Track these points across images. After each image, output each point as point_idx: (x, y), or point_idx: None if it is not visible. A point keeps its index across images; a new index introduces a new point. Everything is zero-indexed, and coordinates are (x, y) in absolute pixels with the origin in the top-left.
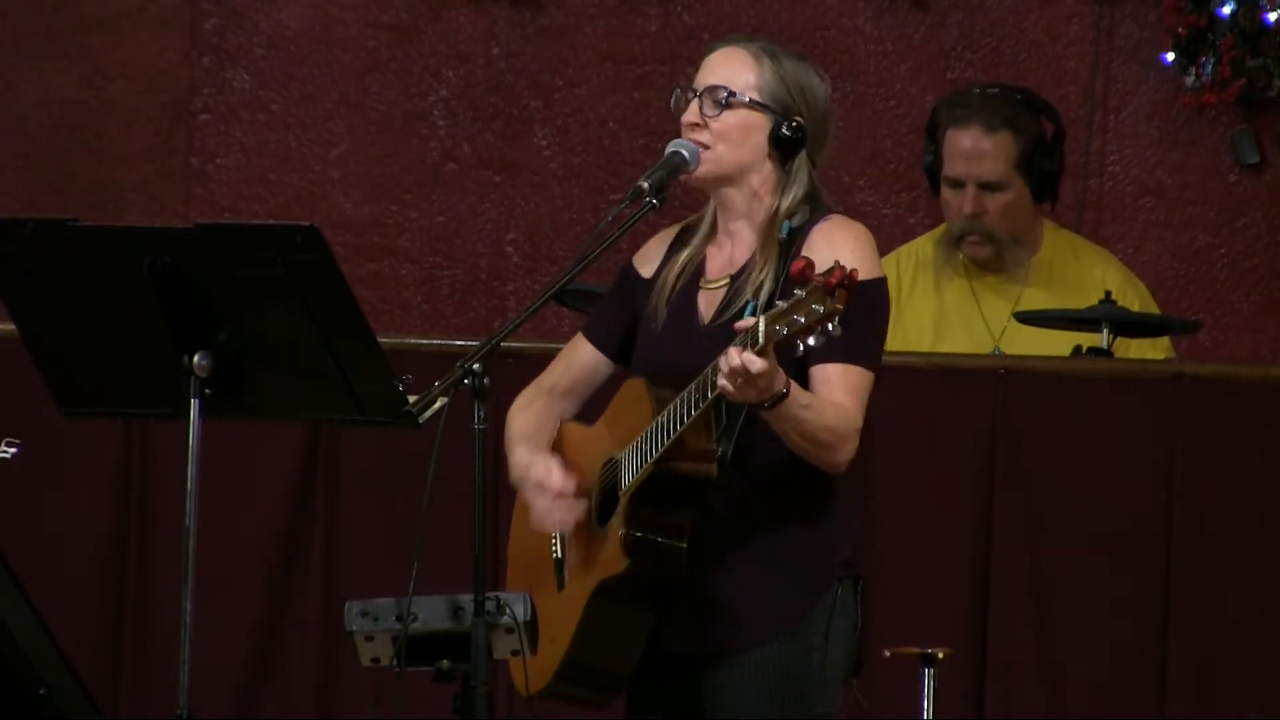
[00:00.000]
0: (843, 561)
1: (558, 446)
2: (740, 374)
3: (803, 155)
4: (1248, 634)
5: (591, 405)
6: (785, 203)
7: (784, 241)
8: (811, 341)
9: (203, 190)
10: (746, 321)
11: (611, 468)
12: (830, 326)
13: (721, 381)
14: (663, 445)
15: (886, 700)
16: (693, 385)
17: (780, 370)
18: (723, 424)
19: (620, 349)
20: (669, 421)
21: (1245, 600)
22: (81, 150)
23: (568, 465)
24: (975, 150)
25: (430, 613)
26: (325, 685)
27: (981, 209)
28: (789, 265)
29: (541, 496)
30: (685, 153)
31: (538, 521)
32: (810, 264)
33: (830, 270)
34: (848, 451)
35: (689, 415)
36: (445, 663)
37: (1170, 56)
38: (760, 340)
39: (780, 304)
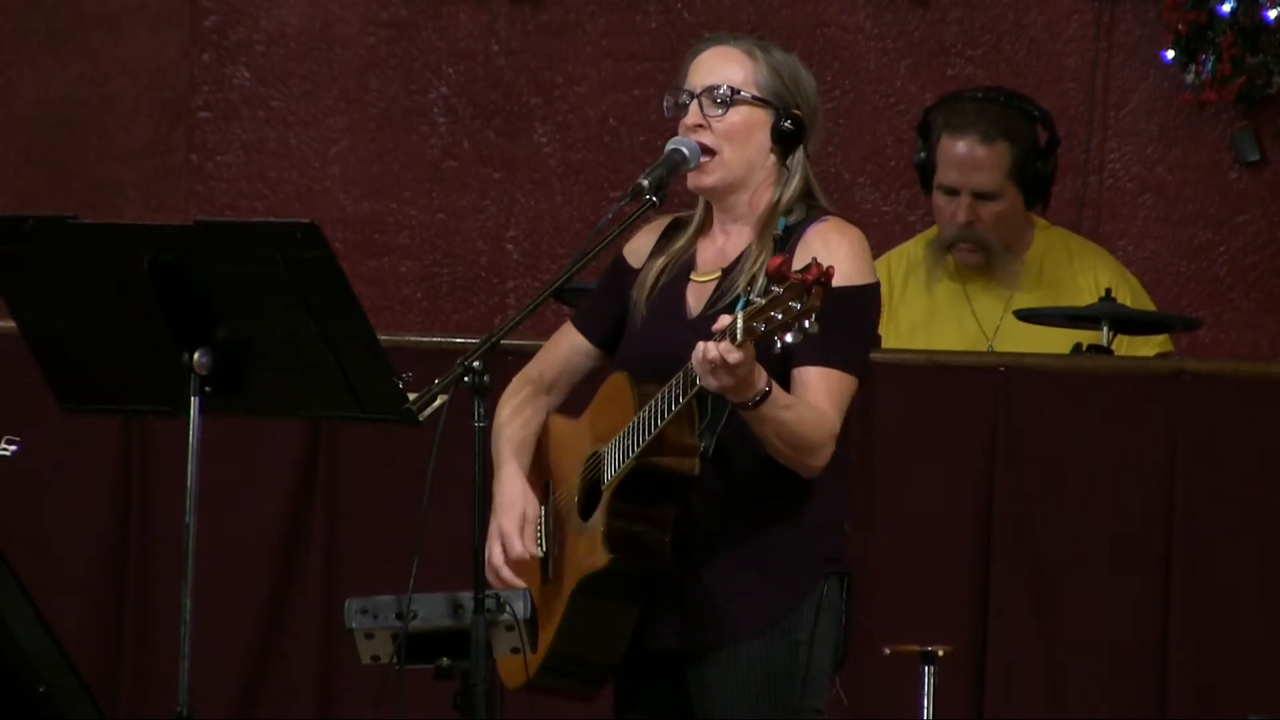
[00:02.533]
0: (827, 558)
1: (543, 440)
2: (717, 364)
3: (801, 148)
4: (1248, 634)
5: (578, 394)
6: (784, 196)
7: (779, 238)
8: (789, 338)
9: (203, 187)
10: (725, 319)
11: (594, 462)
12: (807, 323)
13: (701, 374)
14: (644, 440)
15: (886, 699)
16: (675, 379)
17: (761, 370)
18: (706, 419)
19: (608, 339)
20: (651, 416)
21: (1245, 600)
22: (81, 147)
23: (551, 471)
24: (970, 160)
25: (430, 610)
26: (325, 684)
27: (975, 217)
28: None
29: (497, 549)
30: (685, 150)
31: (486, 566)
32: (787, 261)
33: (807, 268)
34: (823, 457)
35: (670, 409)
36: (445, 660)
37: (1170, 54)
38: (739, 337)
39: (758, 300)
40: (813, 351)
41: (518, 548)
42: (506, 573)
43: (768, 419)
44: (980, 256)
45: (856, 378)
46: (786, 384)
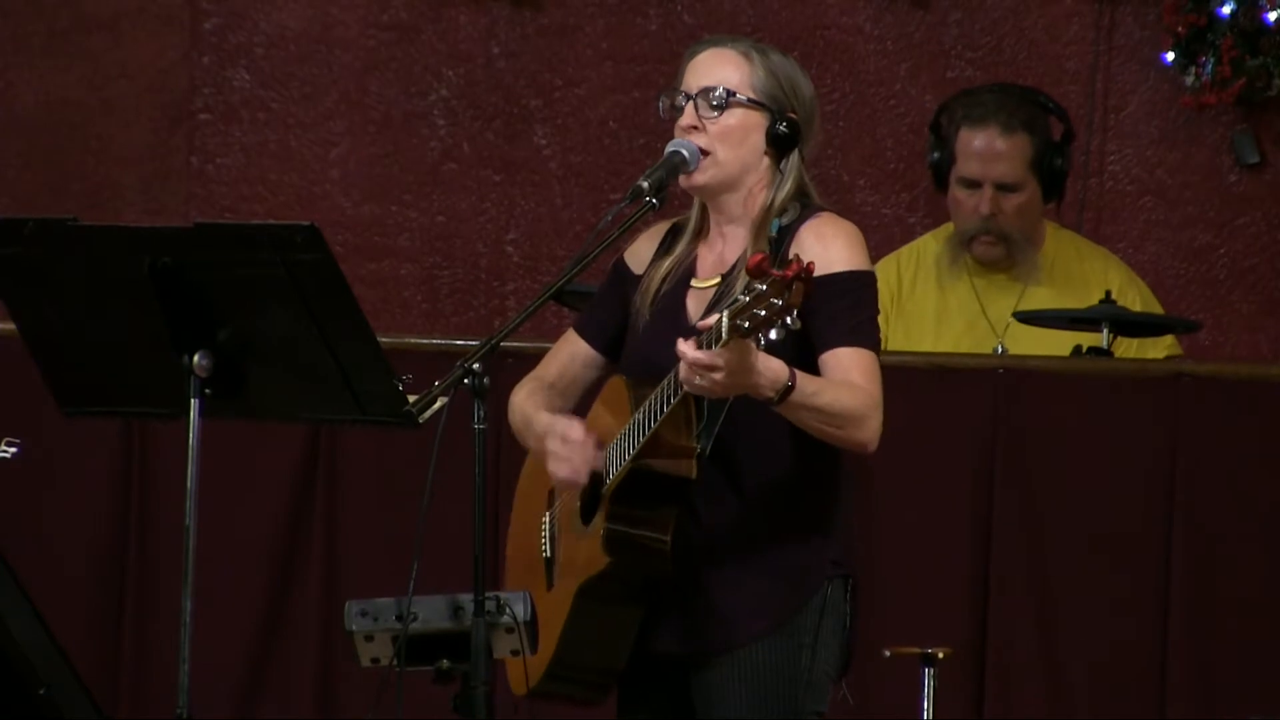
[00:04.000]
0: (832, 560)
1: None
2: (691, 366)
3: (795, 152)
4: (1248, 634)
5: (584, 401)
6: (778, 198)
7: (774, 240)
8: (773, 335)
9: (202, 190)
10: (709, 319)
11: None
12: (789, 320)
13: (683, 376)
14: (640, 442)
15: (886, 700)
16: (665, 380)
17: (780, 365)
18: (703, 421)
19: (612, 345)
20: (645, 418)
21: (1245, 600)
22: (81, 150)
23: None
24: (993, 151)
25: (430, 612)
26: (325, 685)
27: (997, 209)
28: (747, 260)
29: (558, 442)
30: (685, 152)
31: (553, 467)
32: (766, 258)
33: (787, 264)
34: (872, 429)
35: (662, 411)
36: (445, 662)
37: (1170, 56)
38: (724, 336)
39: (742, 298)
40: (839, 334)
41: (577, 435)
42: (578, 458)
43: (799, 407)
44: (1001, 250)
45: (878, 355)
46: (807, 369)
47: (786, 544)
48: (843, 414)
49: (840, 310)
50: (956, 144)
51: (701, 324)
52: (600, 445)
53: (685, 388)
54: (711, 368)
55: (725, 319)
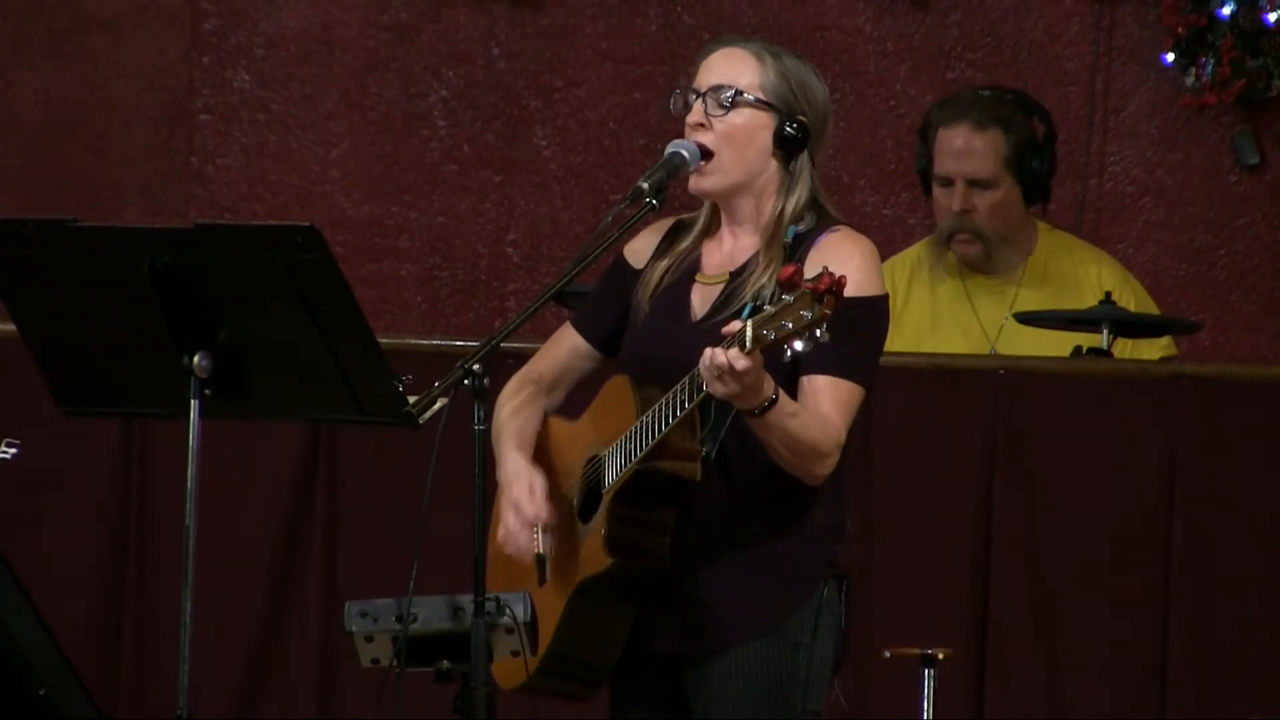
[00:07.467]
0: (827, 561)
1: (542, 441)
2: (725, 370)
3: (805, 154)
4: (1248, 634)
5: (577, 395)
6: (790, 205)
7: (788, 246)
8: (799, 346)
9: (203, 190)
10: (734, 325)
11: (594, 465)
12: (818, 332)
13: (708, 380)
14: (647, 445)
15: (886, 701)
16: (680, 384)
17: (768, 377)
18: (709, 424)
19: (608, 341)
20: (654, 421)
21: (1245, 600)
22: (81, 150)
23: (550, 473)
24: (965, 148)
25: (430, 613)
26: (325, 685)
27: (970, 206)
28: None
29: (512, 516)
30: (685, 153)
31: (500, 539)
32: (799, 270)
33: (819, 276)
34: (827, 466)
35: (675, 414)
36: (445, 663)
37: (1170, 57)
38: (748, 344)
39: (768, 308)
40: (822, 360)
41: (530, 510)
42: (524, 538)
43: (773, 426)
44: (979, 248)
45: (864, 388)
46: (793, 391)
47: (782, 544)
48: (808, 444)
49: (835, 336)
50: (935, 144)
51: (725, 330)
52: (599, 446)
53: (708, 388)
54: (744, 373)
55: (750, 327)
